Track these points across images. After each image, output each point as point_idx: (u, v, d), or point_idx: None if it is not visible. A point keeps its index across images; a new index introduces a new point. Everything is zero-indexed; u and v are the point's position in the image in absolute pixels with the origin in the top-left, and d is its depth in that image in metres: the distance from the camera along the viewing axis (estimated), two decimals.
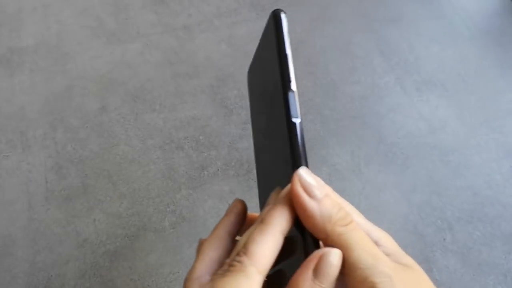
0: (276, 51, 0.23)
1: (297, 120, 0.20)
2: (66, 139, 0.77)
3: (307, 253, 0.18)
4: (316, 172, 0.19)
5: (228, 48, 0.91)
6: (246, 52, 0.90)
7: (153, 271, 0.64)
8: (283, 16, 0.23)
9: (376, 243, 0.20)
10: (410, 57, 0.90)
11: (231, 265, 0.17)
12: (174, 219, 0.69)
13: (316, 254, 0.18)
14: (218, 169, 0.74)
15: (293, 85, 0.21)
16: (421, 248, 0.67)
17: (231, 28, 0.94)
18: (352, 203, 0.22)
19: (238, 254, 0.17)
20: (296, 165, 0.19)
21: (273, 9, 0.24)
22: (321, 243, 0.19)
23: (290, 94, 0.20)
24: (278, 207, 0.19)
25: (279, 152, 0.22)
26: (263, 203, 0.23)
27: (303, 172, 0.18)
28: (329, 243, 0.18)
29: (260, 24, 0.95)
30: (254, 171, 0.73)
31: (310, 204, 0.18)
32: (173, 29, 0.94)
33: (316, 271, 0.17)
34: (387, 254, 0.20)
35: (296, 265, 0.18)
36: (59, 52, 0.90)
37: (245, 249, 0.17)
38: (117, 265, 0.65)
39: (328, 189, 0.19)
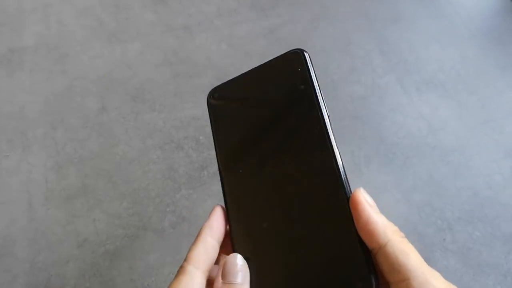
0: (306, 87, 0.25)
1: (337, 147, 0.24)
2: (66, 139, 0.77)
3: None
4: None
5: (228, 48, 0.91)
6: (246, 52, 0.90)
7: (153, 271, 0.64)
8: (307, 55, 0.26)
9: None
10: (410, 57, 0.90)
11: (178, 271, 0.23)
12: (174, 219, 0.69)
13: (222, 261, 0.23)
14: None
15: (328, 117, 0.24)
16: (421, 248, 0.67)
17: (231, 28, 0.94)
18: None
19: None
20: (346, 187, 0.23)
21: (291, 47, 0.27)
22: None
23: (330, 125, 0.24)
24: (206, 222, 0.25)
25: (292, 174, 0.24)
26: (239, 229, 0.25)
27: (364, 190, 0.22)
28: (388, 249, 0.20)
29: (260, 24, 0.95)
30: None
31: (374, 214, 0.21)
32: (173, 29, 0.94)
33: (223, 273, 0.22)
34: None
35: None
36: (59, 52, 0.90)
37: (185, 257, 0.23)
38: (117, 265, 0.65)
39: None
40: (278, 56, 0.27)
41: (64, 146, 0.77)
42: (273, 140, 0.26)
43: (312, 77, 0.26)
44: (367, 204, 0.22)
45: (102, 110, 0.81)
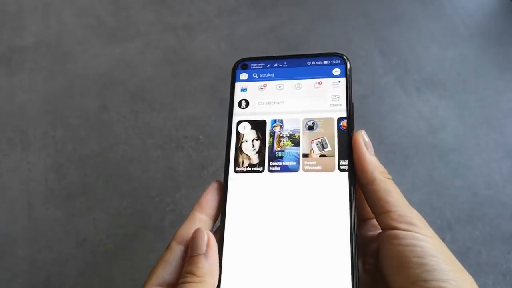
0: (340, 92, 0.26)
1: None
2: (66, 138, 0.77)
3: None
4: None
5: (228, 47, 0.91)
6: (246, 51, 0.90)
7: None
8: (349, 63, 0.27)
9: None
10: (410, 56, 0.90)
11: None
12: (174, 218, 0.69)
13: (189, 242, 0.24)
14: (217, 169, 0.74)
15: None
16: None
17: (231, 28, 0.94)
18: None
19: None
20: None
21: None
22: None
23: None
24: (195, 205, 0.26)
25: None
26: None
27: (364, 133, 0.26)
28: (373, 187, 0.23)
29: (260, 24, 0.95)
30: None
31: (367, 155, 0.24)
32: (173, 28, 0.94)
33: (189, 249, 0.23)
34: None
35: None
36: (59, 51, 0.90)
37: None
38: (117, 264, 0.65)
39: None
40: (319, 53, 0.28)
41: (64, 145, 0.77)
42: (291, 133, 0.26)
43: (349, 85, 0.27)
44: (363, 144, 0.25)
45: (102, 109, 0.81)
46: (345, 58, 0.27)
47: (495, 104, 0.84)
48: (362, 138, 0.25)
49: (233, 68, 0.29)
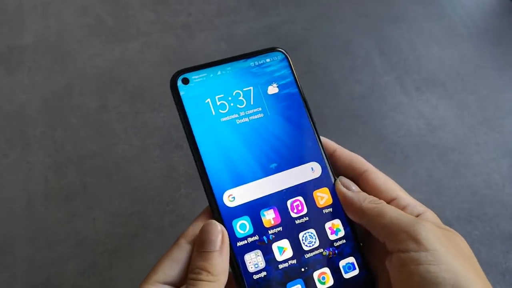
0: (292, 90, 0.26)
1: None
2: (65, 137, 0.77)
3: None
4: None
5: (228, 47, 0.91)
6: (245, 51, 0.90)
7: None
8: (289, 57, 0.27)
9: (419, 215, 0.25)
10: (410, 56, 0.90)
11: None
12: (173, 218, 0.69)
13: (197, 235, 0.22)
14: None
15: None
16: None
17: (231, 27, 0.94)
18: None
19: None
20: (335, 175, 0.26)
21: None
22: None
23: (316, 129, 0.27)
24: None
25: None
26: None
27: (342, 177, 0.26)
28: (365, 219, 0.22)
29: (259, 23, 0.95)
30: None
31: (348, 193, 0.24)
32: (173, 28, 0.93)
33: (198, 242, 0.22)
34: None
35: None
36: (58, 50, 0.89)
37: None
38: (116, 264, 0.65)
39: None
40: (257, 52, 0.26)
41: (63, 145, 0.76)
42: (262, 144, 0.26)
43: (297, 80, 0.26)
44: (343, 189, 0.25)
45: (102, 109, 0.81)
46: (286, 52, 0.25)
47: (494, 103, 0.84)
48: (340, 181, 0.26)
49: (174, 84, 0.25)
